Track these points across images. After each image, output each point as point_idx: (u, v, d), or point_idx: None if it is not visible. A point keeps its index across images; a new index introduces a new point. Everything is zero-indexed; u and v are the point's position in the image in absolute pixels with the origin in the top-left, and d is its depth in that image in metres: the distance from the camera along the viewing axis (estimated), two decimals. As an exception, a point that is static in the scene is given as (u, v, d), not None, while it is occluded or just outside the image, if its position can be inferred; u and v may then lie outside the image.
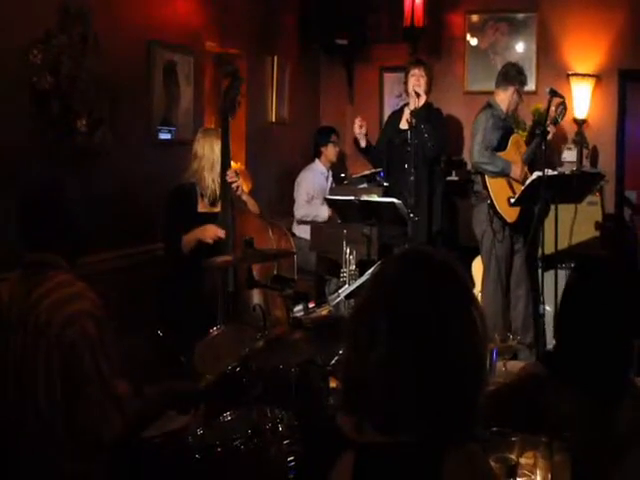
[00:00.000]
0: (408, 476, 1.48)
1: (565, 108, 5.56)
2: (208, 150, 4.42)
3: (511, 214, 5.36)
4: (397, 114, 6.15)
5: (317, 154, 6.70)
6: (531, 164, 5.52)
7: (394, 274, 1.57)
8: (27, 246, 2.67)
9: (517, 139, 5.68)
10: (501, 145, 5.54)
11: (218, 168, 4.36)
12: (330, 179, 6.74)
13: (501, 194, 5.38)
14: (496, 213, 5.38)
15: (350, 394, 1.58)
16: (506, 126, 5.65)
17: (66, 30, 4.01)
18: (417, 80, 5.79)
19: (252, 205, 4.64)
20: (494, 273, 5.47)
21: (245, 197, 4.61)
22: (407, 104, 6.02)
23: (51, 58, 3.88)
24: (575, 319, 1.84)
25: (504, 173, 5.43)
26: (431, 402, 1.47)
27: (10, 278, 2.71)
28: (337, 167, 7.10)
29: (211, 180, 4.41)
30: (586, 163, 6.66)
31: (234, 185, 4.38)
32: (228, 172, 4.32)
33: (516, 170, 5.43)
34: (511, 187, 5.42)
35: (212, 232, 4.31)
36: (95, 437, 2.56)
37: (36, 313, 2.52)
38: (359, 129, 5.84)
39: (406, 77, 5.92)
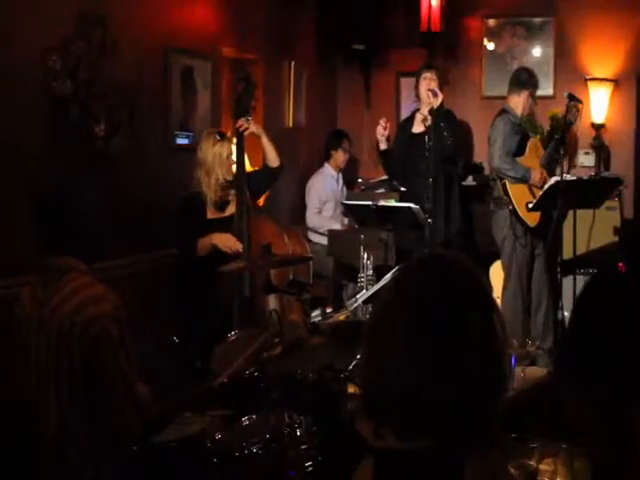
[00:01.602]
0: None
1: (578, 110, 5.52)
2: (204, 153, 4.37)
3: (533, 219, 5.34)
4: (408, 121, 6.10)
5: (327, 157, 6.70)
6: (549, 168, 5.50)
7: (414, 279, 1.57)
8: (47, 250, 2.68)
9: (535, 143, 5.65)
10: (519, 150, 5.52)
11: (216, 173, 4.34)
12: (341, 181, 6.74)
13: (522, 199, 5.35)
14: (518, 218, 5.36)
15: (369, 399, 1.57)
16: (522, 131, 5.63)
17: (84, 36, 4.03)
18: (429, 84, 5.75)
19: (271, 152, 4.60)
20: (515, 278, 5.45)
21: (264, 142, 4.59)
22: (418, 110, 5.99)
23: (70, 64, 3.90)
24: (590, 323, 1.82)
25: (524, 180, 5.40)
26: (451, 408, 1.46)
27: (30, 282, 2.73)
28: (351, 172, 7.11)
29: (207, 185, 4.38)
30: (604, 168, 6.62)
31: (246, 132, 4.37)
32: (239, 120, 4.31)
33: (535, 176, 5.40)
34: (532, 192, 5.40)
35: (231, 243, 4.26)
36: (116, 438, 2.58)
37: (59, 316, 2.53)
38: (383, 130, 5.71)
39: (417, 81, 5.89)
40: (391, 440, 1.51)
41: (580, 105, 5.54)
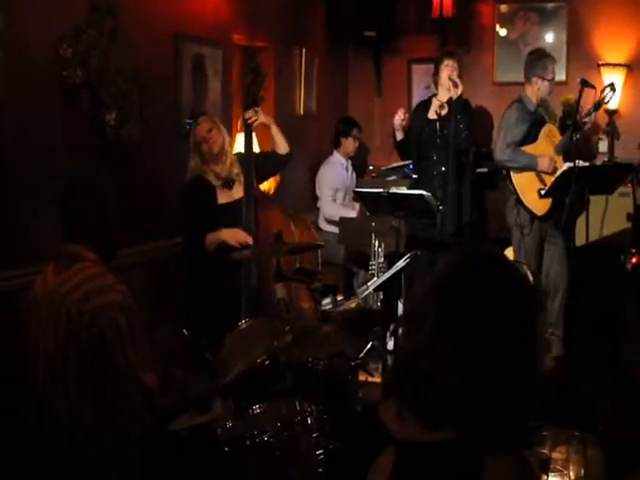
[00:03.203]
0: (448, 474, 1.46)
1: (614, 91, 5.41)
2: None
3: (541, 207, 5.30)
4: (424, 105, 6.07)
5: (336, 144, 6.66)
6: (566, 155, 5.43)
7: (447, 270, 1.59)
8: (62, 236, 2.71)
9: (550, 130, 5.56)
10: (531, 137, 5.46)
11: (197, 154, 4.37)
12: (350, 169, 6.71)
13: (529, 187, 5.32)
14: (524, 207, 5.34)
15: (392, 379, 1.59)
16: (536, 118, 5.57)
17: (95, 24, 4.02)
18: (450, 71, 5.71)
19: (280, 140, 4.59)
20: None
21: (274, 130, 4.57)
22: (435, 95, 5.96)
23: (81, 52, 3.90)
24: None
25: (529, 168, 5.36)
26: (465, 399, 1.46)
27: (43, 270, 2.74)
28: (362, 159, 7.08)
29: (197, 167, 4.38)
30: (618, 154, 6.58)
31: (255, 123, 4.36)
32: (247, 112, 4.31)
33: (543, 163, 5.34)
34: (541, 179, 5.36)
35: (241, 237, 4.21)
36: (123, 427, 2.59)
37: (67, 304, 2.55)
38: (400, 122, 5.69)
39: (437, 68, 5.84)
40: (412, 430, 1.51)
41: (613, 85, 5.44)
